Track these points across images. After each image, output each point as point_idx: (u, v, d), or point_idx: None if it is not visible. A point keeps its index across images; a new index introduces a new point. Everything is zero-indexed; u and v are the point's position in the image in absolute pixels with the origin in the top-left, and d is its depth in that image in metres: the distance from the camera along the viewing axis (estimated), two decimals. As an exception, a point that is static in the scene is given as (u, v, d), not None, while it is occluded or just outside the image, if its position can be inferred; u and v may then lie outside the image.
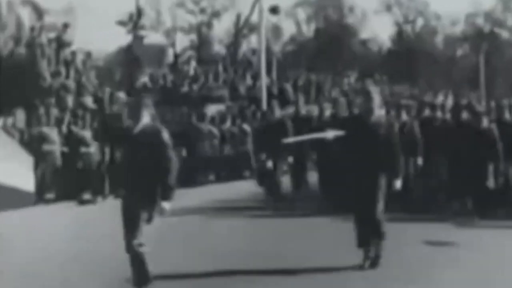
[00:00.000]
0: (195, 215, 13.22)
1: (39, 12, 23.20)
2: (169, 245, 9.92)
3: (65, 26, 22.37)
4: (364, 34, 45.77)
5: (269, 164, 13.83)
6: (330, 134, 8.85)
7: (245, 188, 16.40)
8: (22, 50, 20.26)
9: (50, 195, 15.40)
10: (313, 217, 12.60)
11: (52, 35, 21.83)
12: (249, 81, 26.77)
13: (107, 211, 14.11)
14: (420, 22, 46.91)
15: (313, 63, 36.47)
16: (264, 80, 24.76)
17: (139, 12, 28.15)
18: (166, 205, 7.32)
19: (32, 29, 21.09)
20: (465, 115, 13.09)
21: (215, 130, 19.92)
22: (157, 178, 7.34)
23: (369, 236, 8.71)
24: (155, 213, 7.38)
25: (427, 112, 14.46)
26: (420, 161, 13.05)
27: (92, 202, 15.15)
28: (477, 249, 9.87)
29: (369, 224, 8.66)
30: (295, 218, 12.87)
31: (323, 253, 9.63)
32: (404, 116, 13.32)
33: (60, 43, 21.46)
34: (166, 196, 7.33)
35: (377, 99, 8.70)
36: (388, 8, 45.73)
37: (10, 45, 20.49)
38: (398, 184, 8.75)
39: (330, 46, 41.41)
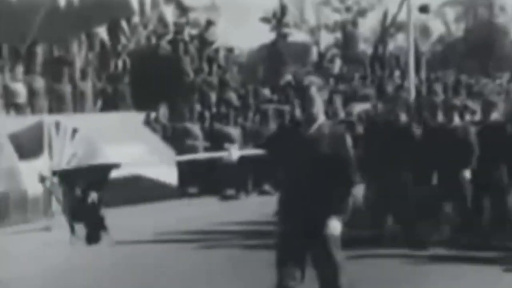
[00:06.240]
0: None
1: (182, 9, 23.29)
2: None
3: (209, 23, 22.36)
4: (516, 35, 43.83)
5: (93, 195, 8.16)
6: (234, 154, 6.82)
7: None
8: (165, 46, 20.41)
9: (193, 190, 15.32)
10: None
11: (195, 31, 21.94)
12: (397, 80, 25.83)
13: (249, 207, 13.92)
14: None
15: (462, 64, 35.09)
16: (412, 80, 23.66)
17: (283, 10, 27.89)
18: None
19: (175, 25, 21.22)
20: None
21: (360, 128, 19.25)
22: None
23: None
24: None
25: (495, 115, 11.92)
26: (467, 174, 10.37)
27: (235, 198, 14.84)
28: None
29: None
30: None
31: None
32: (457, 120, 10.88)
33: (203, 41, 21.48)
34: None
35: (319, 100, 5.72)
36: (543, 7, 43.51)
37: (153, 41, 20.73)
38: (335, 227, 5.52)
39: (480, 47, 39.75)
